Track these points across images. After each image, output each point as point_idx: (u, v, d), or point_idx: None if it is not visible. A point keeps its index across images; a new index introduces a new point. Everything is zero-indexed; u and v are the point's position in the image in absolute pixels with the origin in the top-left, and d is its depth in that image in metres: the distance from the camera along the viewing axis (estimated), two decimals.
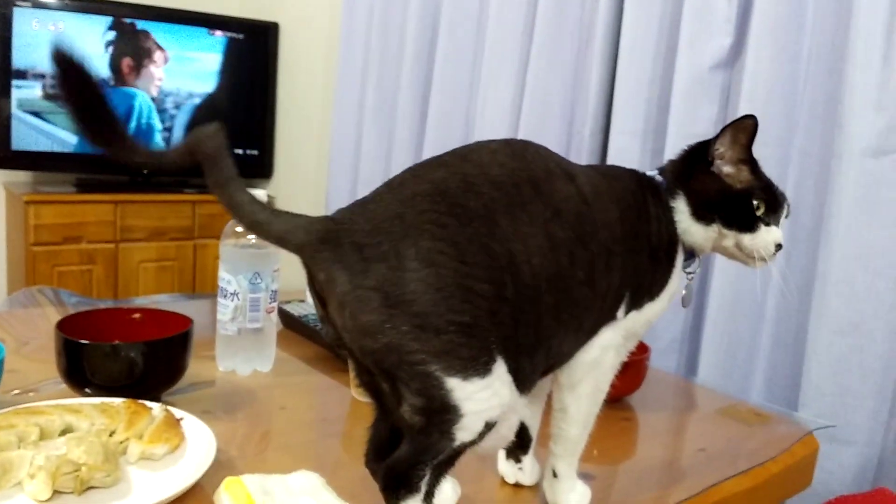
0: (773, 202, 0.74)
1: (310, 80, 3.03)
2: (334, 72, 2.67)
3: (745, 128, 0.73)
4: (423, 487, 0.62)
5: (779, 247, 0.74)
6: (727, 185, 0.74)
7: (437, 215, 0.60)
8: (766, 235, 0.74)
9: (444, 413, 0.60)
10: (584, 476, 0.79)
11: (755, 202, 0.73)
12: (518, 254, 0.62)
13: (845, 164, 1.29)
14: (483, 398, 0.60)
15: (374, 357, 0.60)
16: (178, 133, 2.96)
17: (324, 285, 0.61)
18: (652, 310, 0.74)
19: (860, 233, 1.28)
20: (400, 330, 0.58)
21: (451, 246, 0.59)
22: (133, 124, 2.85)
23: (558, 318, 0.65)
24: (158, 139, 2.93)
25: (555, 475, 0.77)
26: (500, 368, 0.61)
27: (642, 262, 0.72)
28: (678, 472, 0.92)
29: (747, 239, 0.74)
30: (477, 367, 0.59)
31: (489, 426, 0.62)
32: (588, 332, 0.71)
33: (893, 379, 1.30)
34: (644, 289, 0.73)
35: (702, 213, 0.74)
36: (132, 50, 2.83)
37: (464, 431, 0.61)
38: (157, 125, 2.91)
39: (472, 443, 0.62)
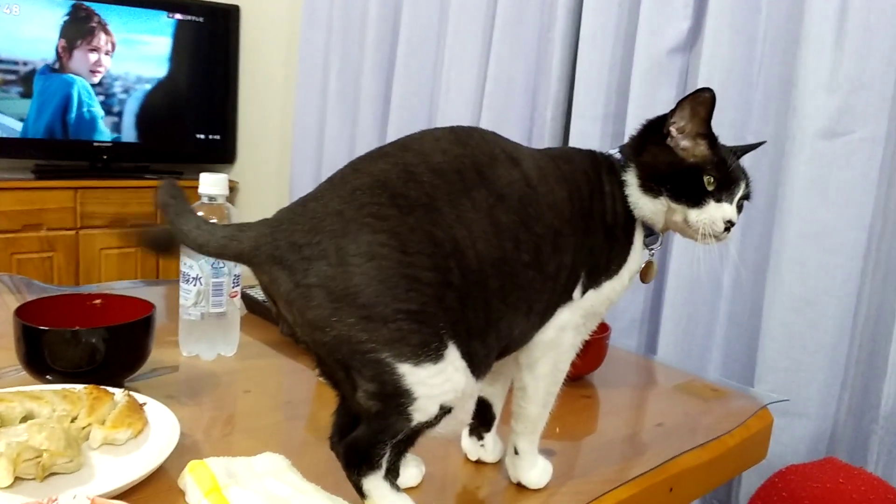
0: (727, 179, 0.73)
1: (272, 64, 3.00)
2: (296, 55, 2.65)
3: (703, 101, 0.72)
4: (385, 464, 0.63)
5: (729, 224, 0.73)
6: (679, 158, 0.73)
7: (377, 208, 0.61)
8: (715, 211, 0.73)
9: (398, 397, 0.61)
10: (546, 452, 0.81)
11: (706, 177, 0.72)
12: (462, 240, 0.62)
13: (798, 145, 1.32)
14: (436, 383, 0.61)
15: (327, 348, 0.62)
16: (128, 119, 2.90)
17: (269, 286, 0.63)
18: (611, 288, 0.75)
19: (813, 212, 1.32)
20: (346, 322, 0.59)
21: (393, 237, 0.60)
22: (73, 114, 2.78)
23: (506, 302, 0.66)
24: (102, 126, 2.85)
25: (516, 452, 0.78)
26: (453, 354, 0.62)
27: (597, 241, 0.72)
28: (638, 446, 0.94)
29: (694, 214, 0.73)
30: (428, 352, 0.60)
31: (445, 409, 0.63)
32: (541, 313, 0.71)
33: (845, 353, 1.34)
34: (601, 267, 0.73)
35: (649, 185, 0.73)
36: (83, 34, 2.76)
37: (419, 413, 0.62)
38: (100, 112, 2.83)
39: (430, 424, 0.63)
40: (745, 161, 0.78)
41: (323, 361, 0.66)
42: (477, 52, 1.95)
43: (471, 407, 0.68)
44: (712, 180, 0.73)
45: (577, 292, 0.73)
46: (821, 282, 1.32)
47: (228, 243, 0.63)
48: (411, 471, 0.76)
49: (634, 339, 1.63)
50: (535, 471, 0.78)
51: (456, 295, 0.62)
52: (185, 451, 0.77)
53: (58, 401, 0.79)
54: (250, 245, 0.62)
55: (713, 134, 0.74)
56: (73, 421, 0.78)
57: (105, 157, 2.84)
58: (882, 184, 1.30)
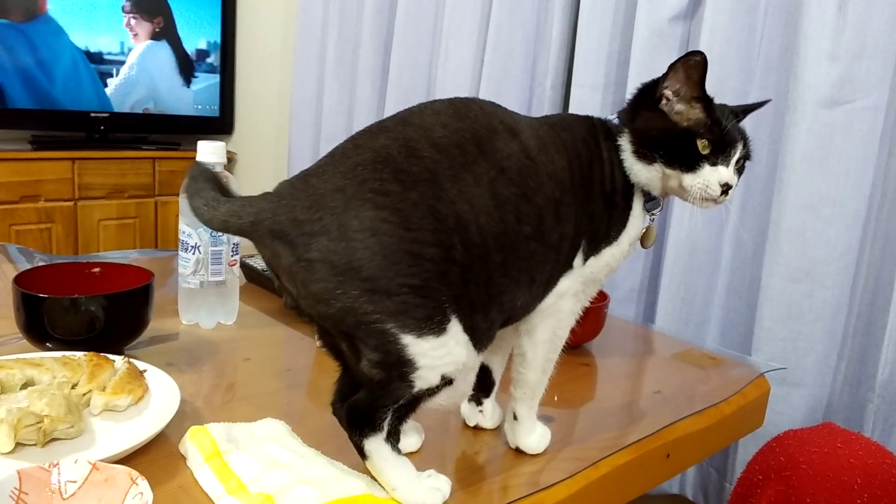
0: (722, 141, 0.72)
1: (269, 35, 2.97)
2: (294, 25, 2.62)
3: (695, 64, 0.71)
4: (386, 427, 0.64)
5: (726, 187, 0.72)
6: (672, 122, 0.72)
7: (380, 183, 0.61)
8: (710, 175, 0.72)
9: (401, 366, 0.62)
10: (544, 418, 0.82)
11: (700, 141, 0.71)
12: (465, 215, 0.62)
13: (799, 114, 1.31)
14: (438, 356, 0.62)
15: (332, 320, 0.62)
16: (125, 90, 2.87)
17: (270, 260, 0.63)
18: (611, 255, 0.75)
19: (812, 182, 1.31)
20: (351, 294, 0.59)
21: (395, 213, 0.60)
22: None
23: (508, 275, 0.66)
24: (98, 96, 2.81)
25: (515, 417, 0.78)
26: (455, 328, 0.63)
27: (597, 208, 0.72)
28: (635, 413, 0.95)
29: (688, 178, 0.72)
30: (431, 326, 0.61)
31: (446, 380, 0.64)
32: (544, 284, 0.71)
33: (843, 324, 1.35)
34: (601, 234, 0.73)
35: (642, 152, 0.73)
36: None
37: (421, 381, 0.63)
38: (96, 83, 2.80)
39: (431, 391, 0.64)
40: (747, 130, 0.77)
41: (326, 333, 0.67)
42: (476, 22, 1.93)
43: (472, 379, 0.69)
44: (707, 143, 0.71)
45: (577, 260, 0.73)
46: (820, 252, 1.32)
47: (230, 219, 0.63)
48: (411, 437, 0.77)
49: (633, 308, 1.64)
50: (533, 436, 0.79)
51: (459, 270, 0.62)
52: (185, 418, 0.77)
53: (58, 368, 0.80)
54: (250, 220, 0.62)
55: (708, 96, 0.73)
56: (73, 388, 0.78)
57: (102, 127, 2.83)
58: (882, 154, 1.30)
